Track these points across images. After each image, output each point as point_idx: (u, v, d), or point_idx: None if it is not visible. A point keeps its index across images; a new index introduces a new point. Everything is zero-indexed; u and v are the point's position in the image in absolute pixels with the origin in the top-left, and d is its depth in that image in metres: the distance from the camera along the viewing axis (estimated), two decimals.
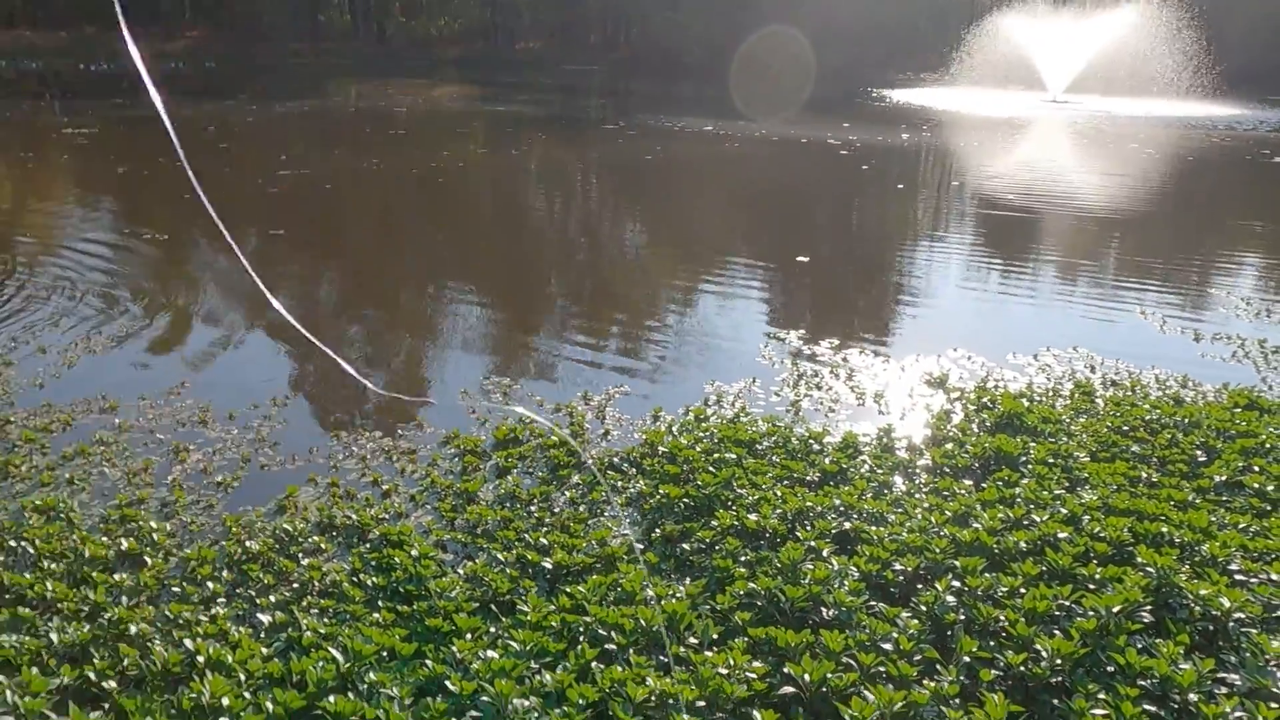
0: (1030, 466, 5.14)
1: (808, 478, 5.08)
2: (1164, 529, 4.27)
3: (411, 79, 35.95)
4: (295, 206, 13.37)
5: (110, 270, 9.52)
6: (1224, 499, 4.85)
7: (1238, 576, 3.94)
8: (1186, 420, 5.88)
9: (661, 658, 3.37)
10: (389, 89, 32.65)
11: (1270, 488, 4.87)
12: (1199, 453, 5.41)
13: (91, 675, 3.19)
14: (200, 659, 3.26)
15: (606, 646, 3.41)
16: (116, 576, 3.95)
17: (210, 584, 3.97)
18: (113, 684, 3.16)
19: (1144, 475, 5.09)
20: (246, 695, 3.10)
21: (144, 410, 6.04)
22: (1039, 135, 25.79)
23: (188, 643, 3.36)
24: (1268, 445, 5.43)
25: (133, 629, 3.51)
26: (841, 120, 26.29)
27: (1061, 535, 4.19)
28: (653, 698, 3.06)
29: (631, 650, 3.37)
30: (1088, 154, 21.94)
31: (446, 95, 32.35)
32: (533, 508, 4.81)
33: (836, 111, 28.54)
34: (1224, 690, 3.20)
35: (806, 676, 3.16)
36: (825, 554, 4.07)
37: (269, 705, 3.01)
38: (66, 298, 8.45)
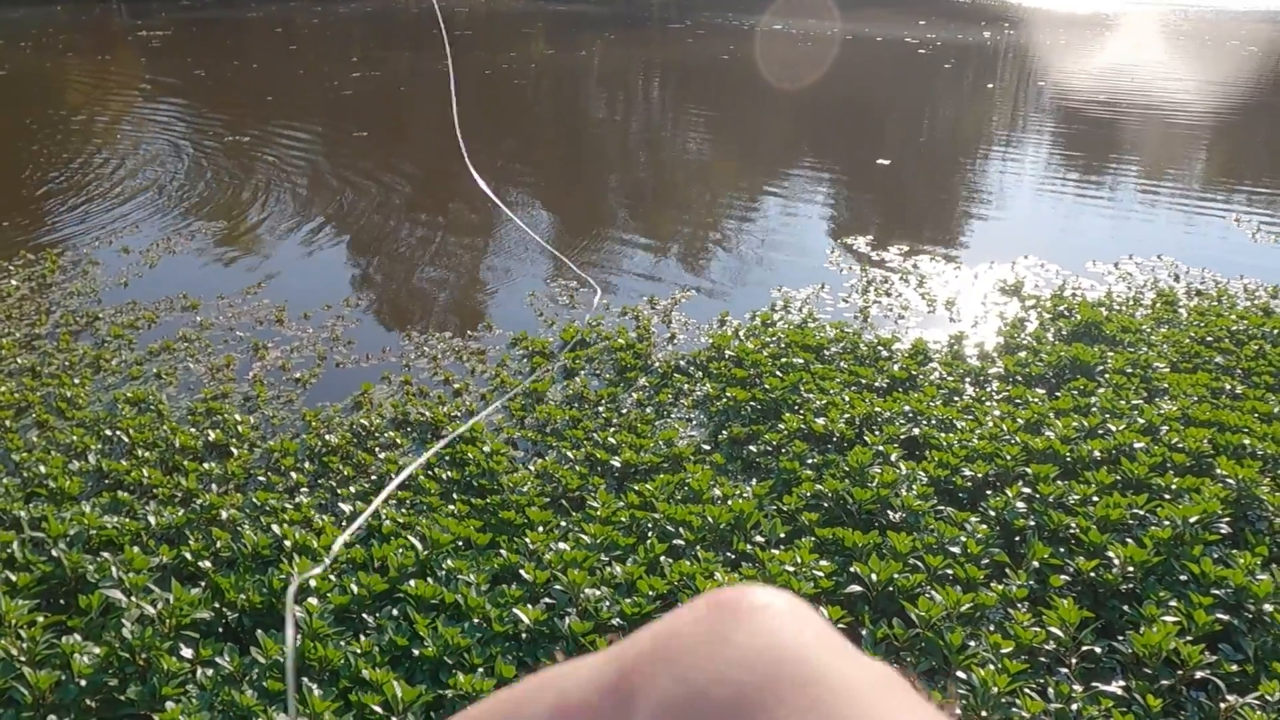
0: (1107, 376, 5.02)
1: (876, 384, 5.04)
2: (1246, 441, 4.16)
3: None
4: (373, 108, 13.37)
5: (190, 172, 9.69)
6: None
7: None
8: (1275, 331, 5.66)
9: (728, 554, 3.43)
10: None
11: None
12: None
13: (188, 555, 3.37)
14: (287, 543, 3.42)
15: (675, 542, 3.48)
16: (206, 465, 4.14)
17: (293, 474, 4.14)
18: (207, 564, 3.34)
19: (1227, 387, 4.94)
20: (332, 578, 3.25)
21: (223, 309, 6.22)
22: (1128, 33, 24.33)
23: (275, 528, 3.52)
24: None
25: (223, 514, 3.69)
26: (918, 18, 25.11)
27: (1138, 445, 4.11)
28: None
29: (699, 547, 3.44)
30: (1181, 53, 20.67)
31: None
32: (600, 408, 4.88)
33: (912, 7, 27.23)
34: None
35: (874, 576, 3.19)
36: (893, 458, 4.06)
37: (354, 587, 3.15)
38: (150, 198, 8.66)
